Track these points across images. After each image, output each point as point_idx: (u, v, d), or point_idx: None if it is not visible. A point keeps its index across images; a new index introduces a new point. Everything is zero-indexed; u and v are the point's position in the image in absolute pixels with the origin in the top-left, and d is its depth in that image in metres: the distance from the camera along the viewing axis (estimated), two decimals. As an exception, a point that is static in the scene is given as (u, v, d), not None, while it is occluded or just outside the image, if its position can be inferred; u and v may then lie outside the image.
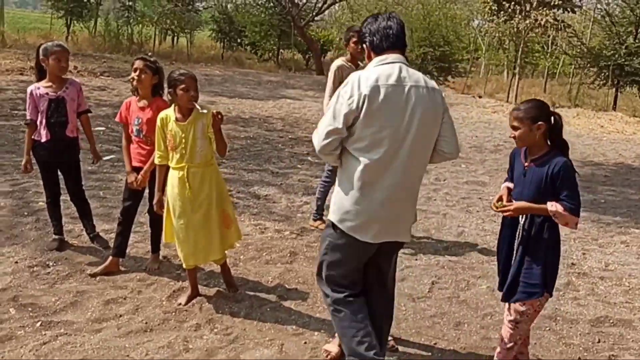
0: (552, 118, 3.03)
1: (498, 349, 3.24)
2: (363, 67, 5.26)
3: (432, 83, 2.96)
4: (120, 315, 3.79)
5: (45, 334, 3.50)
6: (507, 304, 3.16)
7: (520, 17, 17.45)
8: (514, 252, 3.08)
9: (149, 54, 4.67)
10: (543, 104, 3.06)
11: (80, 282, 4.20)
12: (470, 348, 3.74)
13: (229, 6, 28.01)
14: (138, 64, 4.16)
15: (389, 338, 3.64)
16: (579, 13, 21.46)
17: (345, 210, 2.91)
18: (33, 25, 25.80)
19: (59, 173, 4.72)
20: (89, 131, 4.77)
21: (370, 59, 3.00)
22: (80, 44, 20.37)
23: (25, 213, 5.40)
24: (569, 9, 18.49)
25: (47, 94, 4.45)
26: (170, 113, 3.82)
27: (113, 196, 5.96)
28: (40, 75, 4.54)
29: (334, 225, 2.98)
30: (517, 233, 3.06)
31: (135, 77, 4.16)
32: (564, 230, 6.13)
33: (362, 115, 2.78)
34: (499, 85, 23.84)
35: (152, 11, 22.34)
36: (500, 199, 3.14)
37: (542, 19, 16.66)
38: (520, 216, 3.05)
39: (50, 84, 4.48)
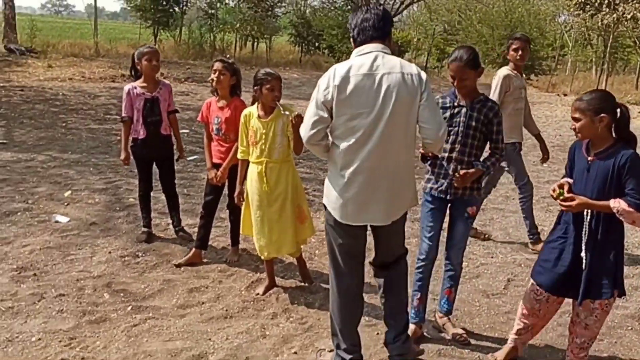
0: (618, 110, 2.88)
1: (569, 350, 3.19)
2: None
3: (410, 68, 2.96)
4: (203, 303, 4.02)
5: (135, 317, 3.78)
6: (575, 303, 3.08)
7: (607, 10, 16.67)
8: (582, 250, 2.93)
9: (227, 56, 4.91)
10: (608, 95, 2.93)
11: (167, 272, 4.49)
12: (545, 344, 3.69)
13: (307, 11, 28.49)
14: (217, 65, 4.40)
15: (461, 331, 3.67)
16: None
17: (329, 193, 3.09)
18: (123, 36, 27.37)
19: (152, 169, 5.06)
20: (177, 130, 5.09)
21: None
22: (166, 51, 21.33)
23: (118, 208, 5.80)
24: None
25: (143, 93, 4.80)
26: (253, 110, 4.02)
27: (196, 193, 6.28)
28: (135, 78, 4.90)
29: (325, 207, 3.16)
30: (584, 232, 2.92)
31: (215, 78, 4.40)
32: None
33: (334, 104, 2.90)
34: (586, 83, 22.87)
35: (233, 18, 23.10)
36: (561, 186, 2.98)
37: (629, 13, 15.83)
38: (585, 213, 2.91)
39: (145, 84, 4.82)
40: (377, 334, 3.71)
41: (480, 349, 3.58)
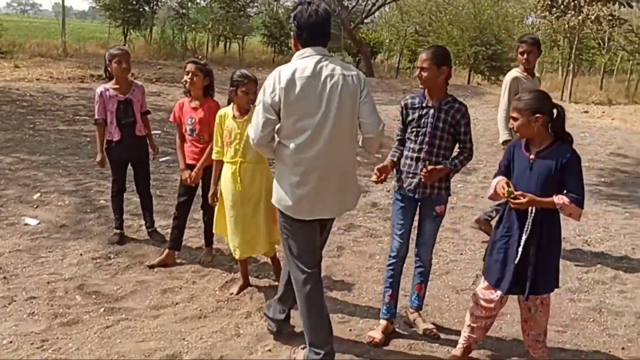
0: (555, 110, 3.02)
1: (527, 345, 3.32)
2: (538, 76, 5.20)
3: (350, 70, 3.10)
4: (177, 303, 4.03)
5: (108, 319, 3.77)
6: (516, 299, 3.22)
7: (573, 12, 17.06)
8: (522, 246, 3.02)
9: (199, 57, 4.92)
10: (544, 96, 3.06)
11: (140, 273, 4.48)
12: (512, 337, 3.80)
13: (279, 11, 28.48)
14: (190, 67, 4.42)
15: (431, 326, 3.76)
16: (637, 8, 20.75)
17: (279, 192, 3.19)
18: (92, 35, 27.03)
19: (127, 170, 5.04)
20: (149, 130, 5.09)
21: (296, 47, 3.15)
22: (136, 51, 21.12)
23: (88, 210, 5.75)
24: (625, 4, 17.89)
25: (116, 95, 4.78)
26: (228, 111, 4.05)
27: (169, 195, 6.27)
28: (109, 79, 4.88)
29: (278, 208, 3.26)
30: (526, 228, 3.02)
31: (188, 80, 4.41)
32: (613, 226, 6.08)
33: (282, 106, 3.01)
34: (553, 84, 23.33)
35: (205, 18, 22.98)
36: (509, 184, 3.05)
37: (593, 14, 16.23)
38: (530, 211, 3.00)
39: (117, 86, 4.80)
40: (350, 330, 3.77)
41: (450, 343, 3.66)
